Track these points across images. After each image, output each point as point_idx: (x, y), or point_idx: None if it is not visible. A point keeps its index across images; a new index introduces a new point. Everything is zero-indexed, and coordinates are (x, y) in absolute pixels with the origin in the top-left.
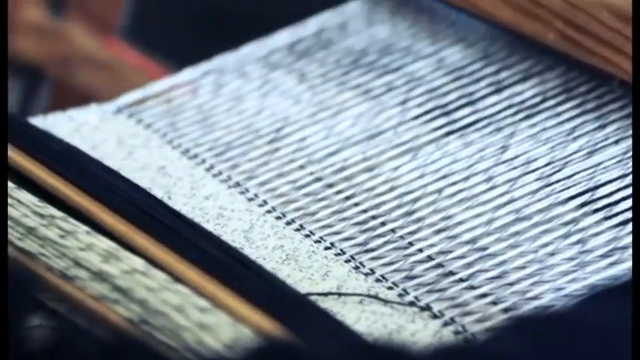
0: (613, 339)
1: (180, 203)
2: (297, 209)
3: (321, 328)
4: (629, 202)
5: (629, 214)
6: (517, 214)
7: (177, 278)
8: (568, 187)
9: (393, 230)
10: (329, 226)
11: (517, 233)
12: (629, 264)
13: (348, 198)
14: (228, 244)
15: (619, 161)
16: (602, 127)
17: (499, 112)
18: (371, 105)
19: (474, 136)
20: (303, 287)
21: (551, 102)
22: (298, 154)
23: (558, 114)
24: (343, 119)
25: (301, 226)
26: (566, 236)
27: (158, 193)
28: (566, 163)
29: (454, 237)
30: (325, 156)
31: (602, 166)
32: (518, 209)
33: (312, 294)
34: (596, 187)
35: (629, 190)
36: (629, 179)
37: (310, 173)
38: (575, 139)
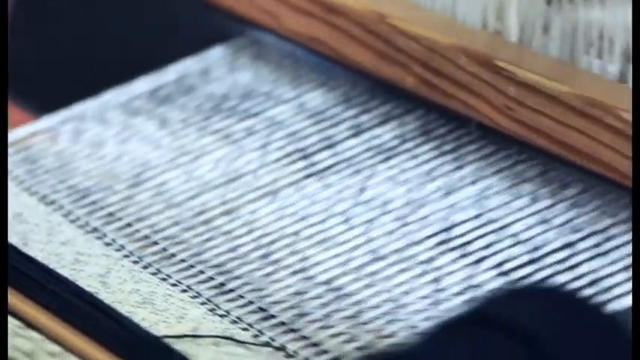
0: None
1: (36, 249)
2: (155, 253)
3: None
4: (484, 241)
5: (484, 252)
6: (374, 254)
7: (29, 324)
8: (424, 227)
9: (249, 272)
10: (186, 269)
11: (373, 273)
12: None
13: (205, 241)
14: (82, 288)
15: (475, 201)
16: (460, 168)
17: (358, 154)
18: (231, 149)
19: (333, 179)
20: (158, 330)
21: (410, 144)
22: (157, 199)
23: (416, 156)
24: (203, 163)
25: (158, 270)
26: (421, 275)
27: (14, 239)
28: (423, 203)
29: (310, 278)
30: (184, 200)
31: (458, 205)
32: (375, 249)
33: (167, 336)
34: (452, 227)
35: (485, 229)
36: (485, 218)
37: (168, 217)
38: (432, 180)
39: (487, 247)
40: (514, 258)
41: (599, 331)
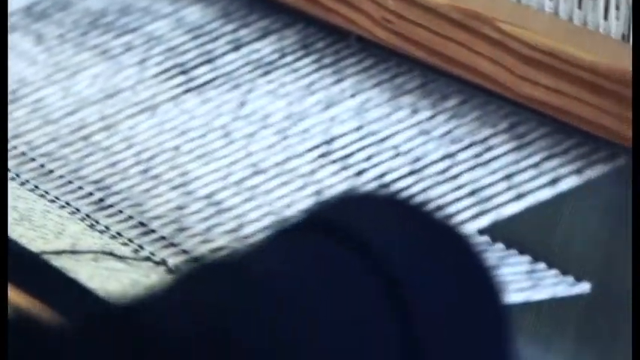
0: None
1: None
2: (33, 170)
3: (52, 284)
4: (364, 153)
5: (364, 164)
6: (254, 167)
7: None
8: (305, 140)
9: (129, 188)
10: (64, 185)
11: (254, 187)
12: None
13: (84, 157)
14: None
15: (355, 114)
16: (339, 81)
17: (237, 69)
18: (109, 65)
19: (212, 93)
20: (36, 246)
21: (290, 58)
22: (34, 115)
23: (296, 70)
24: (81, 79)
25: (36, 186)
26: (302, 188)
27: None
28: (303, 116)
29: (190, 192)
30: (62, 116)
31: (338, 118)
32: (255, 163)
33: (46, 252)
34: (333, 139)
35: (365, 141)
36: (365, 130)
37: (46, 134)
38: (312, 93)
39: (368, 159)
40: (395, 170)
41: (439, 244)
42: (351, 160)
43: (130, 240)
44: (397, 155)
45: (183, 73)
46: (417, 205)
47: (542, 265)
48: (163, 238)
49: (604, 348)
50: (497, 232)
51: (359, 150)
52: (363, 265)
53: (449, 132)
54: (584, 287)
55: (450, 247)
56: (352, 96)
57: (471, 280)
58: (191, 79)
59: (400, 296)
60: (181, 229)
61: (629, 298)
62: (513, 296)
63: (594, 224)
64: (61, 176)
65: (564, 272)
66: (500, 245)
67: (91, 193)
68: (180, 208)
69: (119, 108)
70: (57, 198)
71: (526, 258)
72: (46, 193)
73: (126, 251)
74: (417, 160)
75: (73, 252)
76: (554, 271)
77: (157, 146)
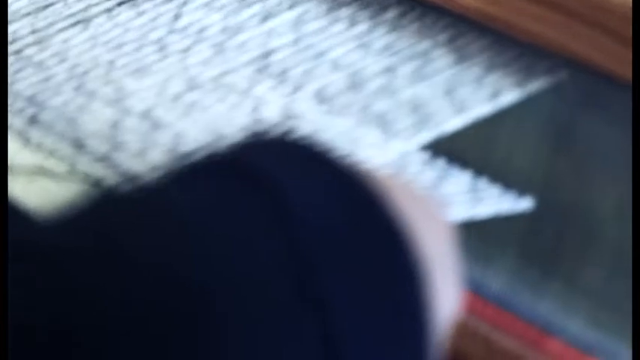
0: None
1: None
2: None
3: None
4: (302, 67)
5: (303, 79)
6: (190, 82)
7: None
8: (242, 54)
9: (63, 104)
10: None
11: (190, 103)
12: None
13: (16, 72)
14: None
15: (293, 26)
16: None
17: None
18: None
19: (147, 6)
20: None
21: None
22: None
23: None
24: None
25: None
26: (239, 103)
27: None
28: (239, 29)
29: (126, 108)
30: None
31: (275, 31)
32: (192, 77)
33: None
34: (270, 53)
35: (303, 55)
36: (303, 43)
37: None
38: (249, 5)
39: (306, 73)
40: (333, 84)
41: (337, 183)
42: (288, 75)
43: (65, 157)
44: (336, 69)
45: None
46: (318, 148)
47: (484, 181)
48: (98, 155)
49: (547, 264)
50: (439, 148)
51: (297, 64)
52: (263, 201)
53: (388, 45)
54: (527, 203)
55: (346, 187)
56: (289, 8)
57: (369, 218)
58: None
59: (292, 226)
60: (117, 147)
61: (573, 213)
62: (456, 213)
63: (535, 139)
64: None
65: (507, 187)
66: (442, 161)
67: (23, 109)
68: (114, 124)
69: (51, 21)
70: None
71: (468, 174)
72: None
73: (60, 169)
74: (356, 74)
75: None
76: (496, 187)
77: (90, 61)
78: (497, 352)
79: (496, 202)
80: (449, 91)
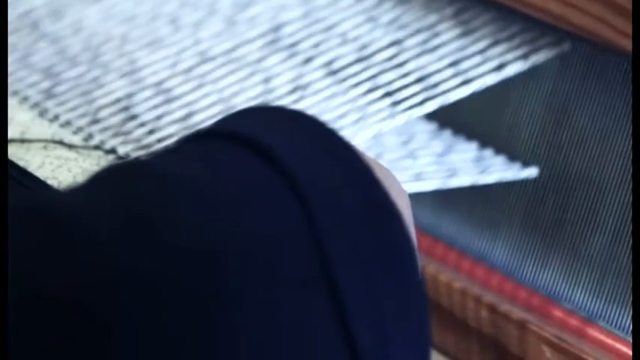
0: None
1: None
2: None
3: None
4: (312, 40)
5: (312, 52)
6: (202, 55)
7: None
8: (253, 27)
9: (78, 75)
10: (12, 73)
11: (202, 74)
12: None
13: (31, 44)
14: None
15: (302, 0)
16: None
17: None
18: None
19: None
20: None
21: None
22: None
23: None
24: None
25: None
26: (250, 75)
27: None
28: (250, 3)
29: (139, 80)
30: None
31: (285, 5)
32: (204, 51)
33: None
34: (280, 26)
35: (312, 29)
36: (312, 17)
37: None
38: None
39: (315, 46)
40: (342, 57)
41: (330, 152)
42: (298, 47)
43: (80, 128)
44: (344, 42)
45: None
46: (314, 119)
47: (490, 151)
48: (113, 126)
49: (550, 233)
50: (446, 118)
51: (306, 37)
52: (266, 164)
53: (395, 19)
54: (532, 172)
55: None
56: None
57: (365, 187)
58: None
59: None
60: (130, 118)
61: (576, 182)
62: (461, 180)
63: (540, 110)
64: (8, 64)
65: (512, 158)
66: (448, 131)
67: (39, 81)
68: (128, 96)
69: None
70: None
71: (474, 144)
72: None
73: (76, 140)
74: (364, 47)
75: (23, 140)
76: (502, 157)
77: (104, 33)
78: (501, 318)
79: (502, 171)
80: (454, 64)
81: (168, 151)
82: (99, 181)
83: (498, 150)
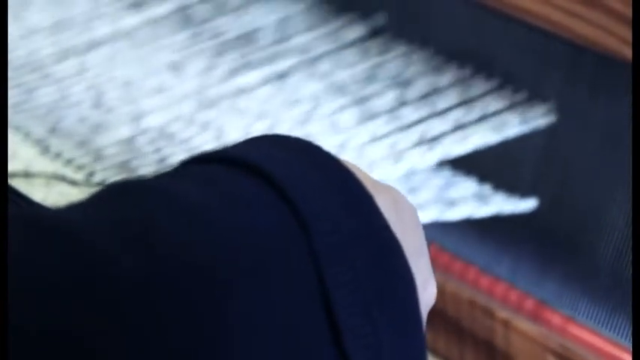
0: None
1: None
2: None
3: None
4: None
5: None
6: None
7: None
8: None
9: (83, 114)
10: (16, 105)
11: (205, 121)
12: None
13: (34, 88)
14: None
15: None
16: None
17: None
18: None
19: (164, 27)
20: None
21: None
22: None
23: None
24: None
25: None
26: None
27: None
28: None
29: (142, 122)
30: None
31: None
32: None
33: None
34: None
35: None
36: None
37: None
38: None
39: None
40: (345, 113)
41: (321, 170)
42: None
43: (82, 166)
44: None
45: (135, 6)
46: (310, 144)
47: (488, 187)
48: (116, 165)
49: (545, 264)
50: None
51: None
52: (266, 190)
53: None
54: (531, 204)
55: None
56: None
57: (360, 204)
58: (144, 11)
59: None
60: (134, 157)
61: (575, 215)
62: (459, 213)
63: (541, 145)
64: (12, 97)
65: (511, 191)
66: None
67: (43, 118)
68: (132, 136)
69: (73, 40)
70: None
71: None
72: None
73: (78, 176)
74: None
75: (26, 175)
76: (501, 191)
77: (109, 79)
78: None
79: (500, 204)
80: (459, 126)
81: (167, 173)
82: (97, 197)
83: (497, 186)
